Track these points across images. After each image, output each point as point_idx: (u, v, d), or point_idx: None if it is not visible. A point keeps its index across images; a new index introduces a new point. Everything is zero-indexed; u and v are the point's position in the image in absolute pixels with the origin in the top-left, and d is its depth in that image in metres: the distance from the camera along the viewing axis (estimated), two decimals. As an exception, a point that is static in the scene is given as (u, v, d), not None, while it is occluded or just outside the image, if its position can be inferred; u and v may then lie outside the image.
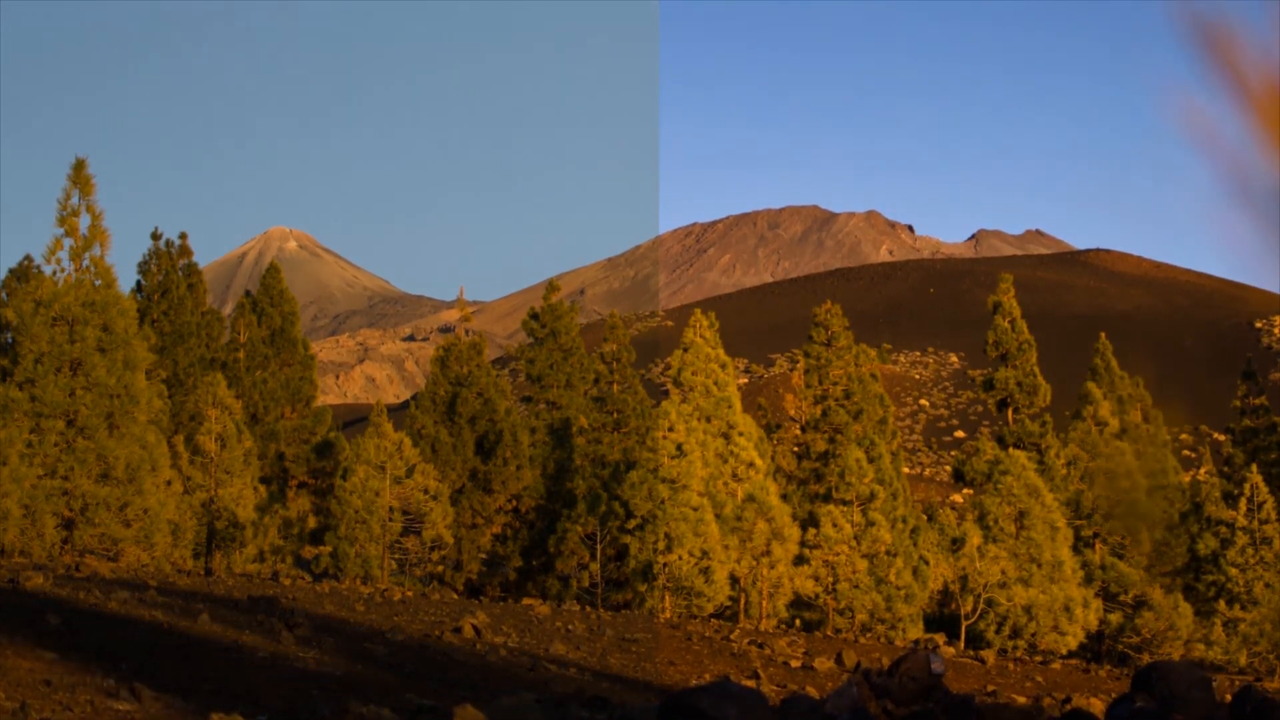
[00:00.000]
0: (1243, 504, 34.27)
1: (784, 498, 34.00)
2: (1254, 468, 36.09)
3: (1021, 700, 16.59)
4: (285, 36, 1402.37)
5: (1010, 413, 40.74)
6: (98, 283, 25.82)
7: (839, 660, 19.16)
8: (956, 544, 31.10)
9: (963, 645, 29.30)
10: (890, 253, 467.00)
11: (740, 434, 32.04)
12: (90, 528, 24.66)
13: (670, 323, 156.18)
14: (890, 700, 9.97)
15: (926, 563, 33.05)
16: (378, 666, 12.63)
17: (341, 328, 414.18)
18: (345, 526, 31.41)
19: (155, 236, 42.30)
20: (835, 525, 29.46)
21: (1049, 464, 35.16)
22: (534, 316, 43.41)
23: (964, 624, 30.34)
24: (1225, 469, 45.22)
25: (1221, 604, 33.27)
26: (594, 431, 40.14)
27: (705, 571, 27.99)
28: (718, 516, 28.89)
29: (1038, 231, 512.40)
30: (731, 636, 21.81)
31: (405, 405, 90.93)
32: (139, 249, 40.90)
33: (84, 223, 25.73)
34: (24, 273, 43.34)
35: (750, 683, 15.57)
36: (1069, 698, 16.06)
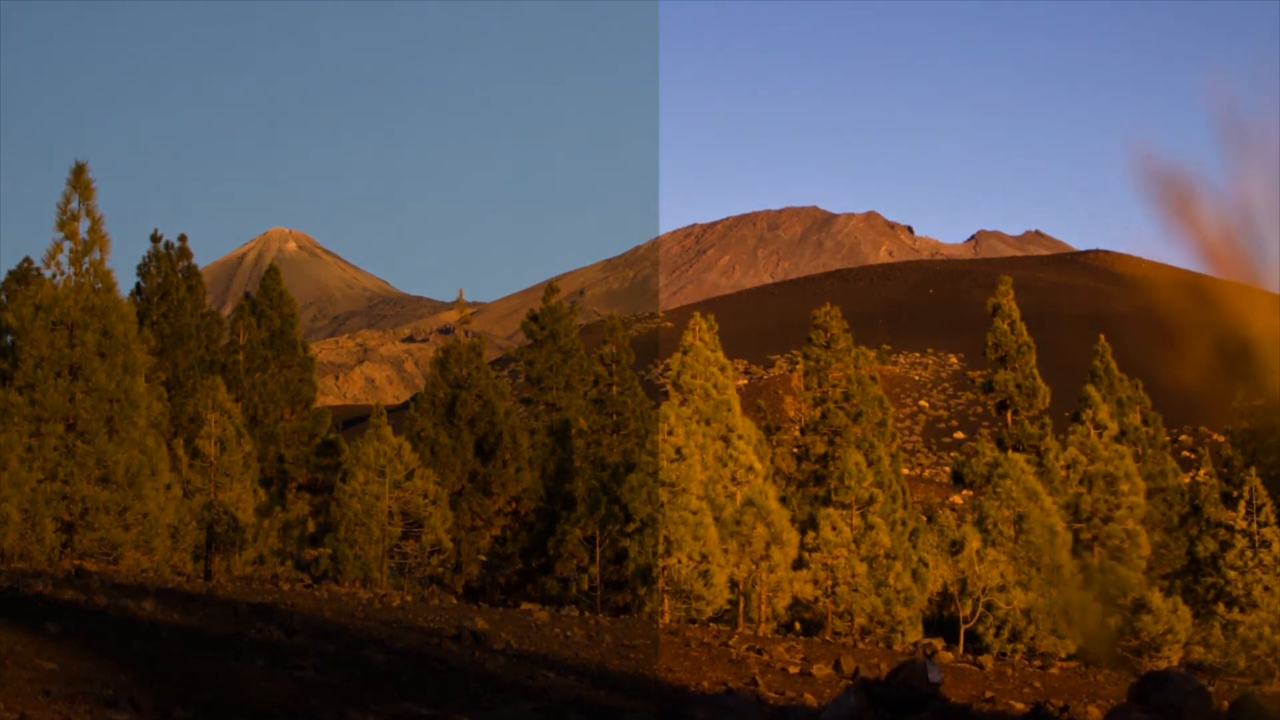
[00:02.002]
0: (1242, 506, 34.25)
1: (783, 500, 34.01)
2: (1253, 470, 36.07)
3: (1020, 706, 16.62)
4: (285, 37, 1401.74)
5: (1009, 415, 40.79)
6: (97, 287, 25.83)
7: (837, 667, 19.17)
8: (955, 546, 31.12)
9: (961, 649, 29.31)
10: (890, 253, 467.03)
11: (739, 437, 32.05)
12: (90, 532, 24.67)
13: (670, 324, 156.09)
14: (888, 709, 9.99)
15: (926, 565, 33.06)
16: (376, 674, 12.64)
17: (341, 328, 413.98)
18: (345, 529, 31.45)
19: (155, 238, 42.38)
20: (834, 528, 29.48)
21: (1048, 466, 35.17)
22: (533, 318, 43.43)
23: (963, 627, 30.35)
24: (1224, 470, 45.21)
25: (1220, 607, 33.24)
26: (593, 433, 40.14)
27: (704, 575, 28.00)
28: (717, 520, 28.90)
29: (1037, 232, 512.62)
30: (730, 642, 21.82)
31: (405, 406, 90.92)
32: (139, 250, 40.97)
33: (84, 227, 25.74)
34: (23, 275, 43.38)
35: (749, 689, 15.59)
36: (1067, 705, 16.08)
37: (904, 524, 36.59)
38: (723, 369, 33.39)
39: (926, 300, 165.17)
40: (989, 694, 19.10)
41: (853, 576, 29.25)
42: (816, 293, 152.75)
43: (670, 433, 28.90)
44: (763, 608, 29.05)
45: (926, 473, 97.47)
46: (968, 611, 30.16)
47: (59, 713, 9.03)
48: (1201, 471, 46.08)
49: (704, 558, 28.00)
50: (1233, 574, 33.29)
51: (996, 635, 29.95)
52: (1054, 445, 37.29)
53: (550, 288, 44.30)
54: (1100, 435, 34.47)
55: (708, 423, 31.84)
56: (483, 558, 37.93)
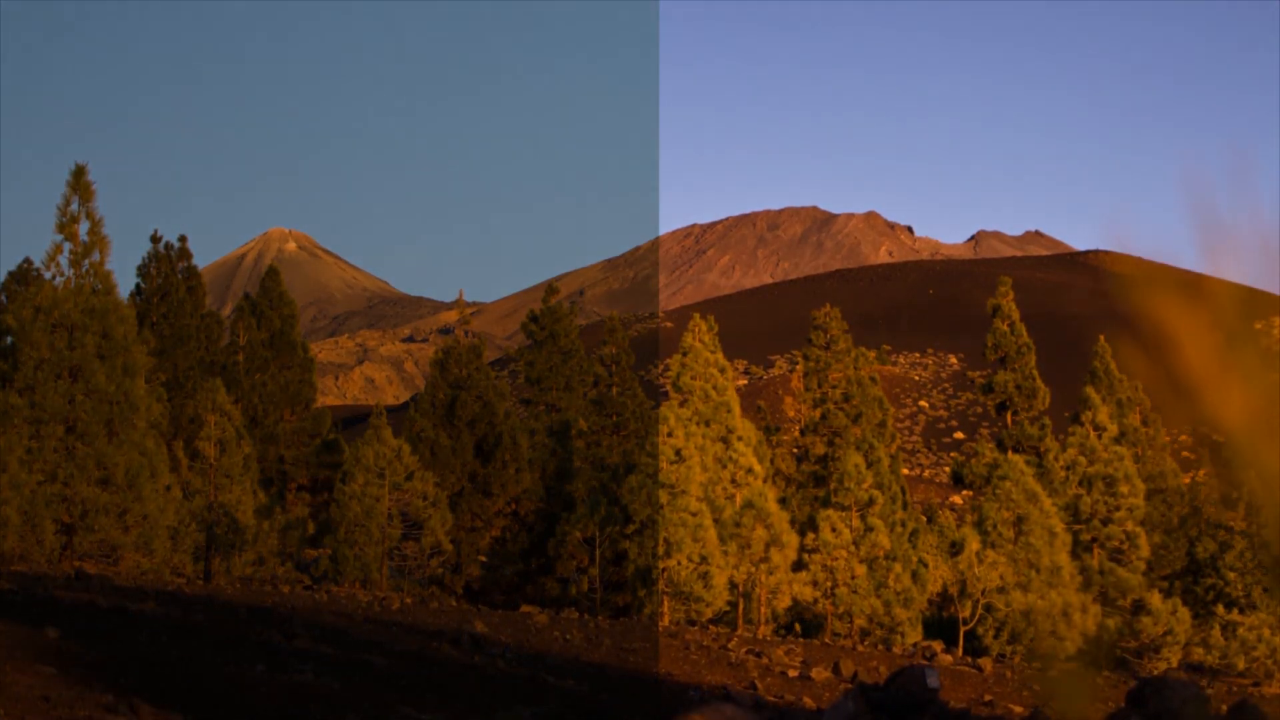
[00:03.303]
0: (1241, 507, 34.25)
1: (783, 502, 34.01)
2: (1253, 471, 36.01)
3: (1019, 710, 16.63)
4: (285, 37, 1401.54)
5: (1009, 415, 40.78)
6: (97, 288, 25.84)
7: (836, 670, 19.18)
8: (955, 548, 31.12)
9: (960, 651, 29.32)
10: (890, 254, 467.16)
11: (739, 439, 32.06)
12: (90, 534, 24.68)
13: (670, 324, 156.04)
14: (886, 714, 10.01)
15: (925, 566, 33.05)
16: (376, 679, 12.65)
17: (341, 329, 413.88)
18: (344, 530, 31.47)
19: (155, 239, 42.36)
20: (834, 530, 29.48)
21: (1048, 467, 35.16)
22: (533, 319, 43.45)
23: (962, 629, 30.36)
24: (1224, 471, 45.16)
25: (1220, 608, 33.25)
26: (593, 434, 40.17)
27: (704, 576, 28.02)
28: (716, 521, 28.91)
29: (1037, 232, 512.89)
30: (729, 645, 21.84)
31: (405, 406, 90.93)
32: (138, 251, 40.99)
33: (84, 228, 25.76)
34: (23, 275, 43.39)
35: (748, 692, 15.61)
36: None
37: (904, 525, 36.61)
38: (722, 370, 33.40)
39: (926, 300, 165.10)
40: (988, 697, 19.11)
41: (852, 578, 29.26)
42: (816, 293, 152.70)
43: (670, 434, 28.92)
44: (762, 609, 29.06)
45: (926, 473, 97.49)
46: (967, 613, 30.16)
47: (59, 718, 9.04)
48: (1201, 472, 46.06)
49: (703, 559, 28.01)
50: (1232, 575, 33.31)
51: (996, 637, 29.94)
52: (1054, 446, 37.27)
53: (550, 288, 44.33)
54: (1100, 436, 34.47)
55: (707, 424, 31.85)
56: (482, 559, 37.95)
